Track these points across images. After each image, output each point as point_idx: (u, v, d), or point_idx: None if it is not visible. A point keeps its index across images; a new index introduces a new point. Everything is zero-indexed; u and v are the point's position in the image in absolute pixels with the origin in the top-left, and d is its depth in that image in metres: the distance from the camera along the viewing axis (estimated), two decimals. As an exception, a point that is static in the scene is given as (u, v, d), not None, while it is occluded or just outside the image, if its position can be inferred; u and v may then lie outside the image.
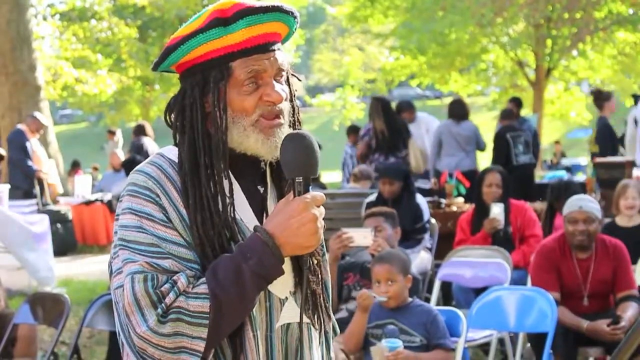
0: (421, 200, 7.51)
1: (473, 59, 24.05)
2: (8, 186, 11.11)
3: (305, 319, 2.12)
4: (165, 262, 1.93)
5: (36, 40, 16.58)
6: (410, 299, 4.82)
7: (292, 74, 2.17)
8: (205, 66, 2.04)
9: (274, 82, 2.06)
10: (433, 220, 7.77)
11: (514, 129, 11.27)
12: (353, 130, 14.47)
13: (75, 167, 19.23)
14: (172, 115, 2.11)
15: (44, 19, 23.09)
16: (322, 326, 2.19)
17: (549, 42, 20.90)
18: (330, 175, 23.77)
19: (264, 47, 2.04)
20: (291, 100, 2.14)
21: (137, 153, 13.28)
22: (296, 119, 2.16)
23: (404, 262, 4.86)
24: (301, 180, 1.99)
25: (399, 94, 45.90)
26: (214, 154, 2.03)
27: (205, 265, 1.97)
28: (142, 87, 25.76)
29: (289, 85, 2.14)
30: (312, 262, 2.13)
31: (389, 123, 9.92)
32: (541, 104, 22.33)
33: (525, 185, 10.61)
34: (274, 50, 2.06)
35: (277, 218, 1.97)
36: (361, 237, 5.50)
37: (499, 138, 11.18)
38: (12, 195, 11.22)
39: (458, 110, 10.99)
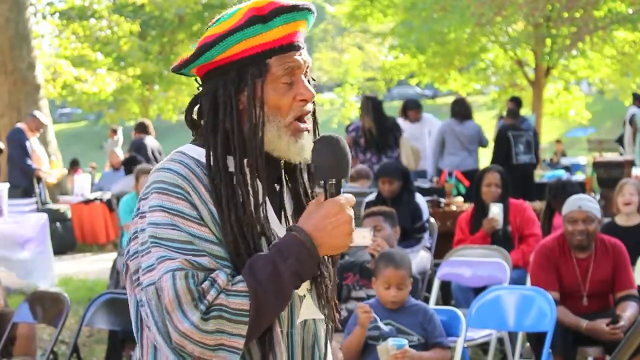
0: (420, 199, 7.51)
1: (472, 58, 24.03)
2: (7, 185, 11.12)
3: (321, 316, 2.18)
4: (203, 259, 1.95)
5: (35, 39, 16.56)
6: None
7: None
8: (240, 64, 2.07)
9: (304, 79, 2.11)
10: (432, 220, 7.78)
11: (517, 128, 11.28)
12: (353, 128, 14.44)
13: (74, 165, 19.21)
14: (198, 115, 2.14)
15: (43, 17, 23.04)
16: (334, 323, 2.25)
17: (548, 41, 20.89)
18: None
19: (296, 44, 2.09)
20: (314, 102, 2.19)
21: (137, 152, 13.25)
22: (316, 118, 2.21)
23: (410, 266, 4.89)
24: (334, 182, 2.04)
25: (398, 92, 45.86)
26: (248, 152, 2.05)
27: (236, 262, 2.00)
28: (142, 86, 25.74)
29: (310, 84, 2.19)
30: (329, 261, 2.19)
31: (377, 121, 9.94)
32: (540, 103, 22.31)
33: (524, 184, 10.62)
34: (302, 47, 2.12)
35: (312, 219, 2.02)
36: (360, 236, 5.50)
37: (501, 135, 11.20)
38: (12, 194, 11.22)
39: (460, 110, 10.98)
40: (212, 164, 2.05)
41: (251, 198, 2.05)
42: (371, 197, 7.76)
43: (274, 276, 1.95)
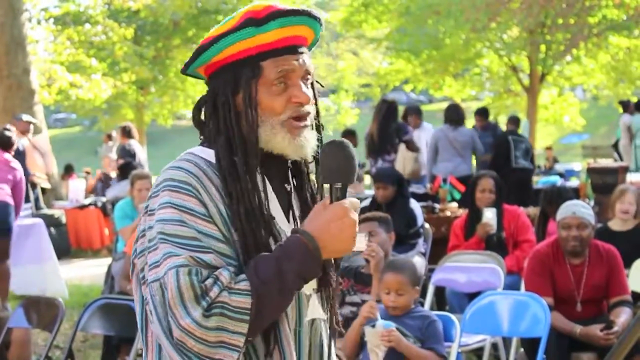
0: (415, 205, 7.53)
1: (467, 64, 24.07)
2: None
3: (324, 316, 2.22)
4: (207, 256, 1.97)
5: (30, 44, 16.55)
6: (412, 306, 4.81)
7: (315, 80, 2.25)
8: (236, 65, 2.11)
9: (301, 83, 2.13)
10: (427, 225, 7.79)
11: (517, 134, 11.39)
12: (349, 134, 14.47)
13: (68, 171, 19.18)
14: (204, 115, 2.18)
15: (38, 22, 23.03)
16: (336, 325, 2.29)
17: (543, 47, 20.92)
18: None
19: (293, 48, 2.13)
20: (315, 104, 2.22)
21: (131, 157, 13.26)
22: (319, 122, 2.24)
23: (415, 273, 4.84)
24: (340, 186, 2.07)
25: (393, 98, 45.71)
26: (248, 152, 2.09)
27: (245, 260, 2.03)
28: (137, 91, 25.71)
29: (313, 89, 2.21)
30: (336, 262, 2.24)
31: (381, 127, 10.00)
32: (535, 109, 22.36)
33: (523, 189, 10.69)
34: (302, 52, 2.15)
35: (317, 221, 2.04)
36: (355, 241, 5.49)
37: (501, 139, 11.28)
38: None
39: (454, 116, 11.00)
40: (220, 162, 2.09)
41: (255, 196, 2.08)
42: (365, 202, 7.77)
43: (277, 276, 1.97)
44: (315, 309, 2.19)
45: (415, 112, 12.13)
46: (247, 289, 1.94)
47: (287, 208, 2.20)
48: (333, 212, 2.03)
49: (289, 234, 2.08)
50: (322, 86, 2.31)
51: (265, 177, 2.14)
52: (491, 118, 23.93)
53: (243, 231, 2.04)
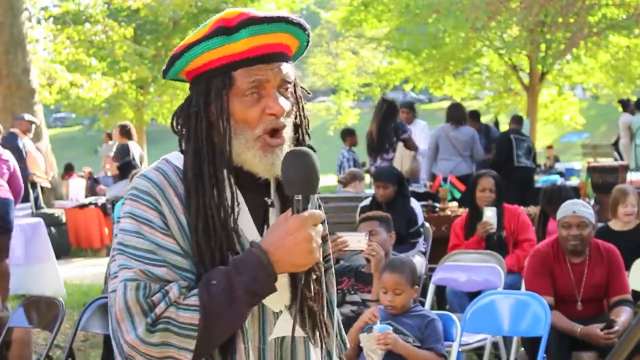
0: (415, 204, 7.53)
1: (467, 63, 24.06)
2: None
3: (302, 333, 2.11)
4: (160, 270, 1.93)
5: (30, 44, 16.55)
6: (412, 305, 4.81)
7: (301, 87, 2.16)
8: (209, 75, 2.04)
9: (278, 93, 2.05)
10: (427, 225, 7.79)
11: (519, 133, 11.41)
12: (349, 133, 14.48)
13: (68, 170, 19.19)
14: (179, 123, 2.12)
15: (38, 22, 23.04)
16: (322, 343, 2.18)
17: (542, 46, 20.91)
18: (324, 179, 23.74)
19: (267, 57, 2.03)
20: (303, 116, 2.15)
21: (127, 157, 13.29)
22: (304, 132, 2.16)
23: (413, 273, 4.84)
24: (300, 198, 1.97)
25: (392, 97, 45.71)
26: (217, 163, 2.02)
27: (202, 274, 1.97)
28: (136, 90, 25.70)
29: (297, 98, 2.13)
30: (310, 278, 2.10)
31: (379, 126, 10.01)
32: (535, 108, 22.35)
33: (525, 187, 10.70)
34: (278, 61, 2.05)
35: (274, 235, 1.96)
36: (355, 241, 5.50)
37: (503, 138, 11.31)
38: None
39: (455, 115, 11.00)
40: (186, 173, 2.03)
41: (221, 209, 2.01)
42: (366, 202, 7.77)
43: (226, 291, 1.91)
44: (284, 327, 2.08)
45: (407, 107, 12.13)
46: (196, 305, 1.89)
47: (261, 223, 2.11)
48: (289, 225, 1.94)
49: None
50: (309, 93, 2.22)
51: (238, 190, 2.05)
52: (491, 117, 23.99)
53: (199, 246, 1.98)
